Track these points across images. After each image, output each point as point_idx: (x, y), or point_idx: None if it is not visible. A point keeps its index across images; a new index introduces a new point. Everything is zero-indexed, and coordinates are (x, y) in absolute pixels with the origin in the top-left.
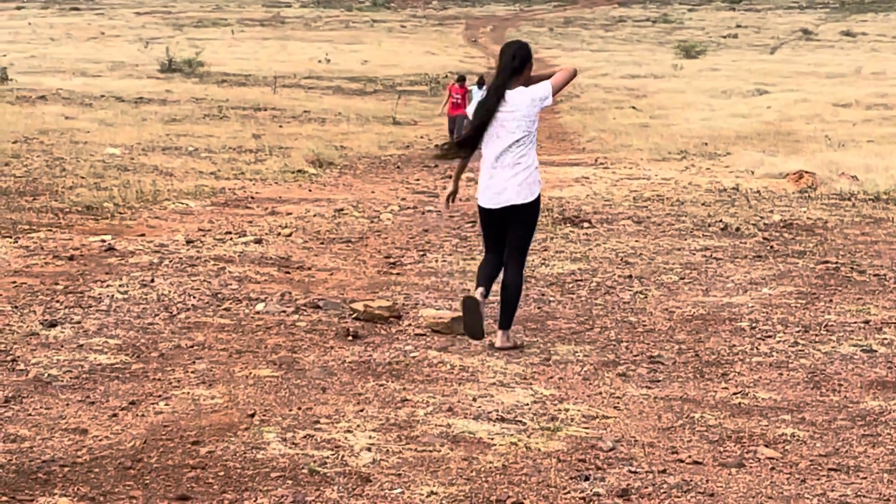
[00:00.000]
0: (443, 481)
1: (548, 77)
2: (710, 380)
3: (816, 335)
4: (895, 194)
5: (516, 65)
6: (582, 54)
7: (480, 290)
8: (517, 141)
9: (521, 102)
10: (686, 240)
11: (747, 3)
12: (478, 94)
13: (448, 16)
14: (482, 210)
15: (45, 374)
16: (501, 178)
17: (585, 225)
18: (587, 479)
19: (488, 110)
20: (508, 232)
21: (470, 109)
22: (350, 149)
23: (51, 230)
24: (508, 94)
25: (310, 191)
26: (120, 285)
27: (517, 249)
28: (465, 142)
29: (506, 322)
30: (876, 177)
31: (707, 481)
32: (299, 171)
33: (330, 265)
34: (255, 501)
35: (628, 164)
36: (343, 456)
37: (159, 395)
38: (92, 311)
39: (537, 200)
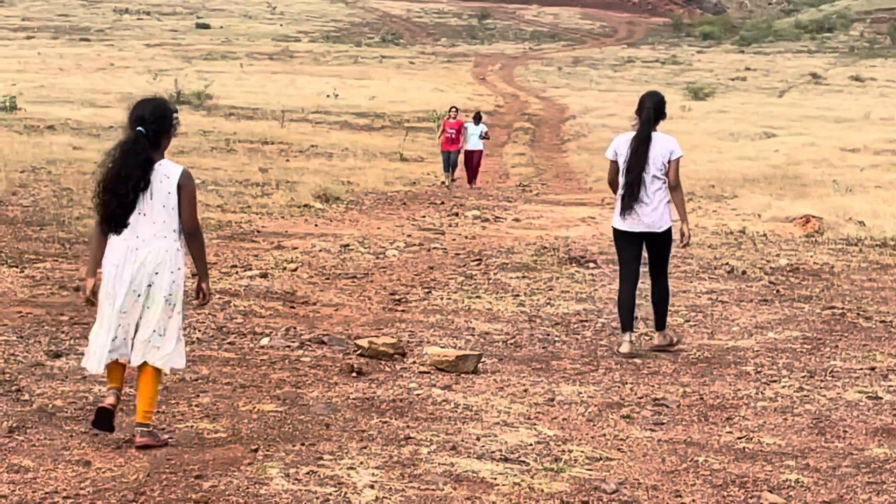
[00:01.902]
0: None
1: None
2: (715, 423)
3: (822, 381)
4: None
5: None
6: (590, 94)
7: (625, 337)
8: (655, 177)
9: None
10: (692, 282)
11: (756, 46)
12: (473, 130)
13: (457, 53)
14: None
15: (50, 405)
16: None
17: (591, 265)
18: None
19: (642, 147)
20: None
21: (609, 152)
22: (357, 184)
23: (57, 261)
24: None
25: (316, 226)
26: None
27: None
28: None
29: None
30: (883, 223)
31: None
32: (306, 205)
33: (335, 301)
34: None
35: None
36: (346, 493)
37: (163, 429)
38: None
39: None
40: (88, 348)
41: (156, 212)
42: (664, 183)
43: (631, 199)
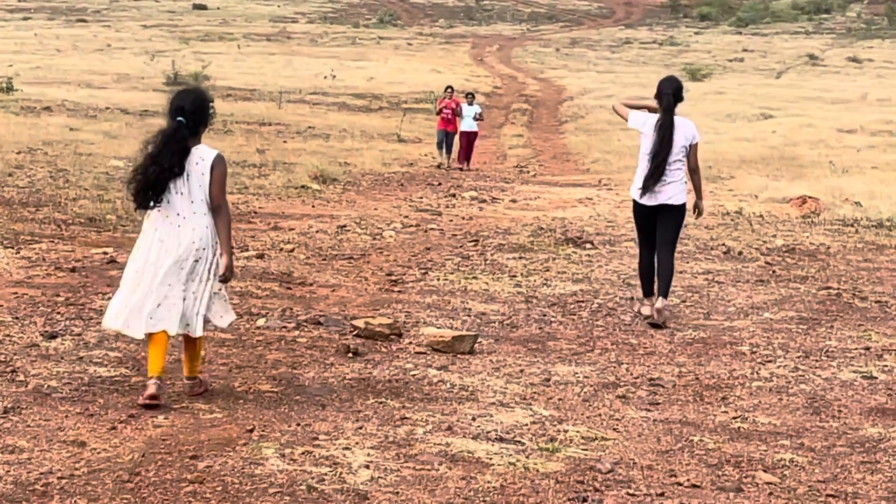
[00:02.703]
0: (440, 500)
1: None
2: (710, 403)
3: (817, 361)
4: None
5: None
6: (588, 75)
7: (647, 302)
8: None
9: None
10: (688, 263)
11: (754, 28)
12: (467, 111)
13: (454, 34)
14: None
15: (45, 386)
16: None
17: (588, 246)
18: (585, 500)
19: (667, 134)
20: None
21: (634, 123)
22: (354, 165)
23: (53, 242)
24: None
25: (313, 207)
26: None
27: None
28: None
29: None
30: (879, 203)
31: None
32: (303, 186)
33: (332, 281)
34: None
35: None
36: (341, 473)
37: (158, 409)
38: (93, 324)
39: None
40: (111, 309)
41: (193, 191)
42: (683, 164)
43: (654, 179)
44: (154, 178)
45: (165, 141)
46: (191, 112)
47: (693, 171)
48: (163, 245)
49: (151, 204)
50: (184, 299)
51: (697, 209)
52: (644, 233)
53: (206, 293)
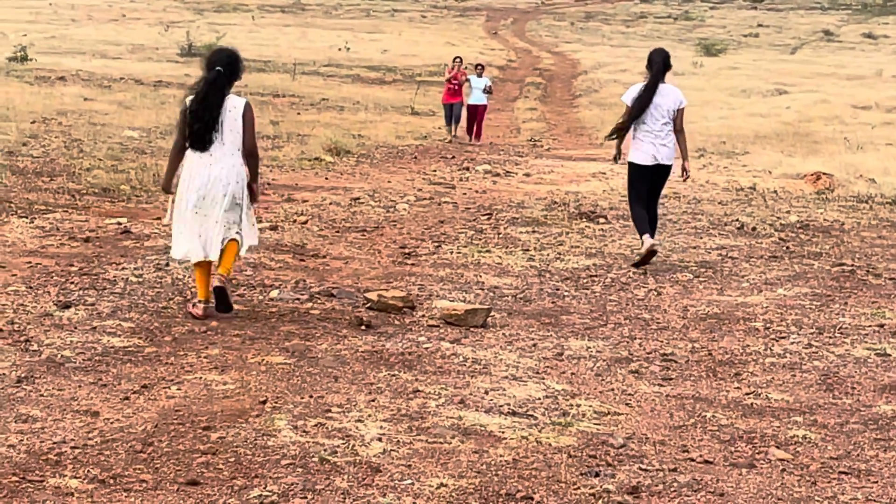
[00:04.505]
0: (453, 473)
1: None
2: (723, 379)
3: (830, 337)
4: None
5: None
6: (602, 49)
7: (647, 236)
8: (665, 122)
9: (668, 95)
10: (702, 238)
11: (769, 3)
12: (476, 83)
13: (469, 7)
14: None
15: (58, 356)
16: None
17: (601, 220)
18: (597, 475)
19: (645, 101)
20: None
21: (626, 97)
22: (367, 138)
23: (67, 211)
24: (661, 87)
25: (326, 179)
26: (135, 268)
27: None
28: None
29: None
30: (894, 180)
31: (717, 481)
32: (316, 158)
33: (345, 254)
34: (264, 488)
35: None
36: (353, 445)
37: (171, 380)
38: (106, 294)
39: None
40: (174, 245)
41: (225, 135)
42: (671, 127)
43: (648, 135)
44: (208, 120)
45: (208, 87)
46: (226, 65)
47: (679, 133)
48: (199, 182)
49: (208, 140)
50: (224, 227)
51: (684, 171)
52: (638, 191)
53: (237, 219)
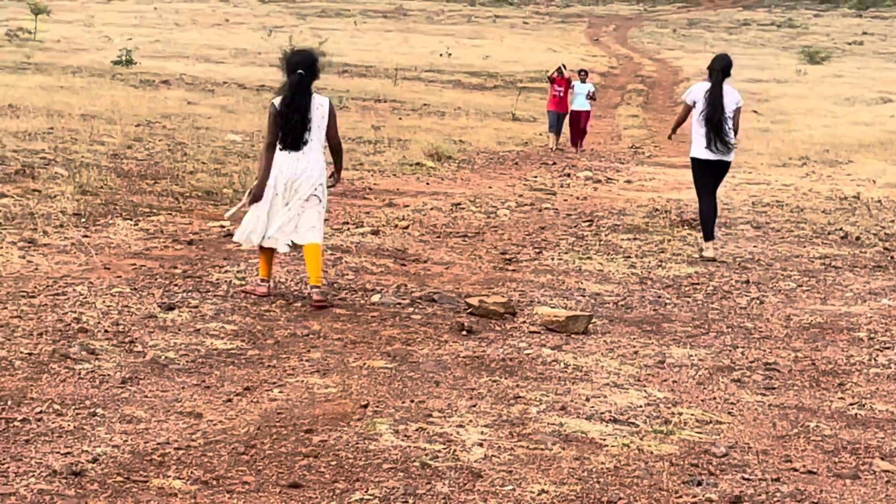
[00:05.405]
0: (554, 480)
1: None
2: (827, 389)
3: None
4: None
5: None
6: (705, 56)
7: (710, 244)
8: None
9: (729, 95)
10: (805, 247)
11: (874, 10)
12: (580, 89)
13: (571, 13)
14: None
15: (162, 357)
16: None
17: None
18: (700, 484)
19: (717, 100)
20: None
21: (688, 98)
22: (468, 143)
23: (171, 214)
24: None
25: (427, 184)
26: (238, 271)
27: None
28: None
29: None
30: None
31: (821, 492)
32: (417, 163)
33: (446, 259)
34: (365, 492)
35: (748, 169)
36: (454, 450)
37: (274, 382)
38: (209, 296)
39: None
40: (240, 228)
41: (312, 132)
42: (731, 124)
43: (717, 137)
44: (301, 121)
45: (294, 90)
46: (306, 67)
47: (734, 131)
48: (286, 177)
49: (304, 141)
50: (297, 215)
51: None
52: (704, 187)
53: (318, 216)
